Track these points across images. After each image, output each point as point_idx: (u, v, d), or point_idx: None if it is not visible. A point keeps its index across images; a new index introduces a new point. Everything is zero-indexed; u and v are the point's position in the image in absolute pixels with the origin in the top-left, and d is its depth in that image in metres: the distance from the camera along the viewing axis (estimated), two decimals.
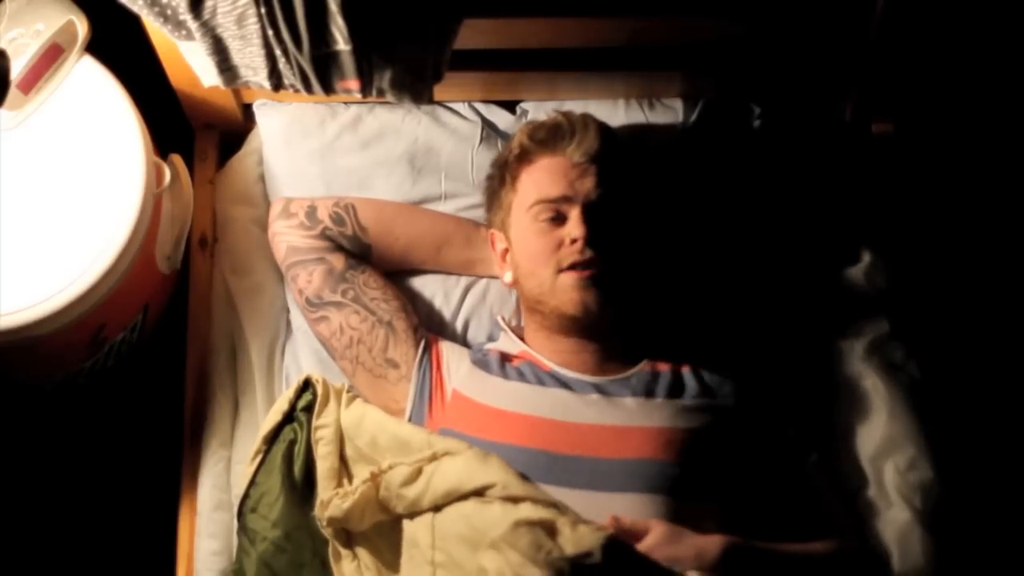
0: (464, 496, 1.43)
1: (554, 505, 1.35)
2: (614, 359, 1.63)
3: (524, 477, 1.41)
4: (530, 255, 1.62)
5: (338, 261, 1.69)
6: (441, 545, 1.43)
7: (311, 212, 1.71)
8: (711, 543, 1.42)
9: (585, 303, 1.57)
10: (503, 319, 1.73)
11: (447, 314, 1.76)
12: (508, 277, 1.69)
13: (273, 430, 1.64)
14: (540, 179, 1.63)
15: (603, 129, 1.66)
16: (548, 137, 1.65)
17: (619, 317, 1.62)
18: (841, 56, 1.77)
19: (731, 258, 1.77)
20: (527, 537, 1.30)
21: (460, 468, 1.44)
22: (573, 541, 1.28)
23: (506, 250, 1.68)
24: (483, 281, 1.77)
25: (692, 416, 1.56)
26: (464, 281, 1.77)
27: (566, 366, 1.62)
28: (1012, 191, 2.10)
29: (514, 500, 1.39)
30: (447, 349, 1.67)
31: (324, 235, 1.70)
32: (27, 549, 1.93)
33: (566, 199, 1.60)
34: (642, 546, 1.40)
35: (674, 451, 1.52)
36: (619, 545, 1.27)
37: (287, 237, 1.72)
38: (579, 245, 1.57)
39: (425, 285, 1.77)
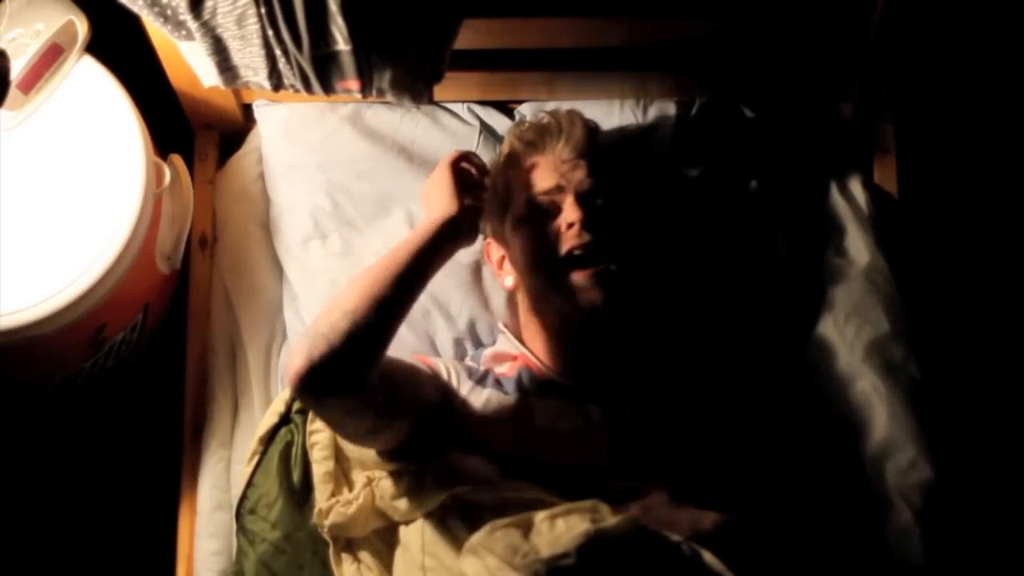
0: None
1: (536, 499, 1.35)
2: (612, 366, 1.61)
3: (506, 475, 1.40)
4: (530, 249, 1.59)
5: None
6: (431, 550, 1.43)
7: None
8: (708, 516, 1.42)
9: (593, 301, 1.54)
10: (503, 324, 1.72)
11: (451, 316, 1.75)
12: (509, 281, 1.66)
13: (269, 432, 1.64)
14: (531, 177, 1.62)
15: (589, 125, 1.66)
16: (536, 138, 1.64)
17: (623, 318, 1.61)
18: (841, 55, 1.77)
19: (728, 257, 1.76)
20: (503, 541, 1.29)
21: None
22: (549, 542, 1.28)
23: (503, 257, 1.67)
24: (483, 283, 1.77)
25: (693, 425, 1.55)
26: (465, 283, 1.77)
27: (563, 374, 1.61)
28: (1013, 190, 2.10)
29: None
30: (454, 379, 1.61)
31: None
32: (27, 549, 1.93)
33: (559, 188, 1.59)
34: (642, 504, 1.41)
35: (673, 462, 1.52)
36: (596, 545, 1.27)
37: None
38: (576, 229, 1.55)
39: (427, 288, 1.76)
